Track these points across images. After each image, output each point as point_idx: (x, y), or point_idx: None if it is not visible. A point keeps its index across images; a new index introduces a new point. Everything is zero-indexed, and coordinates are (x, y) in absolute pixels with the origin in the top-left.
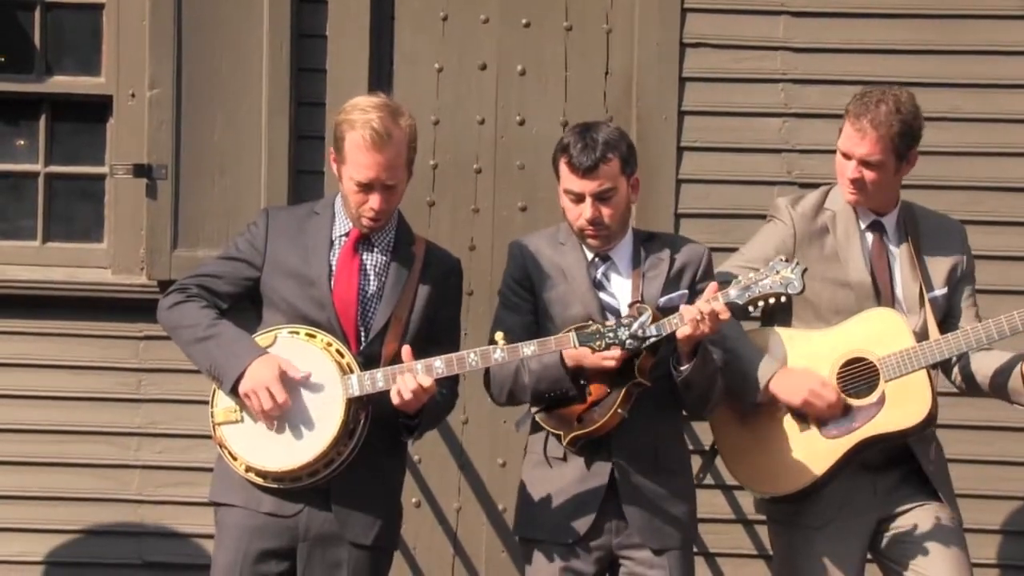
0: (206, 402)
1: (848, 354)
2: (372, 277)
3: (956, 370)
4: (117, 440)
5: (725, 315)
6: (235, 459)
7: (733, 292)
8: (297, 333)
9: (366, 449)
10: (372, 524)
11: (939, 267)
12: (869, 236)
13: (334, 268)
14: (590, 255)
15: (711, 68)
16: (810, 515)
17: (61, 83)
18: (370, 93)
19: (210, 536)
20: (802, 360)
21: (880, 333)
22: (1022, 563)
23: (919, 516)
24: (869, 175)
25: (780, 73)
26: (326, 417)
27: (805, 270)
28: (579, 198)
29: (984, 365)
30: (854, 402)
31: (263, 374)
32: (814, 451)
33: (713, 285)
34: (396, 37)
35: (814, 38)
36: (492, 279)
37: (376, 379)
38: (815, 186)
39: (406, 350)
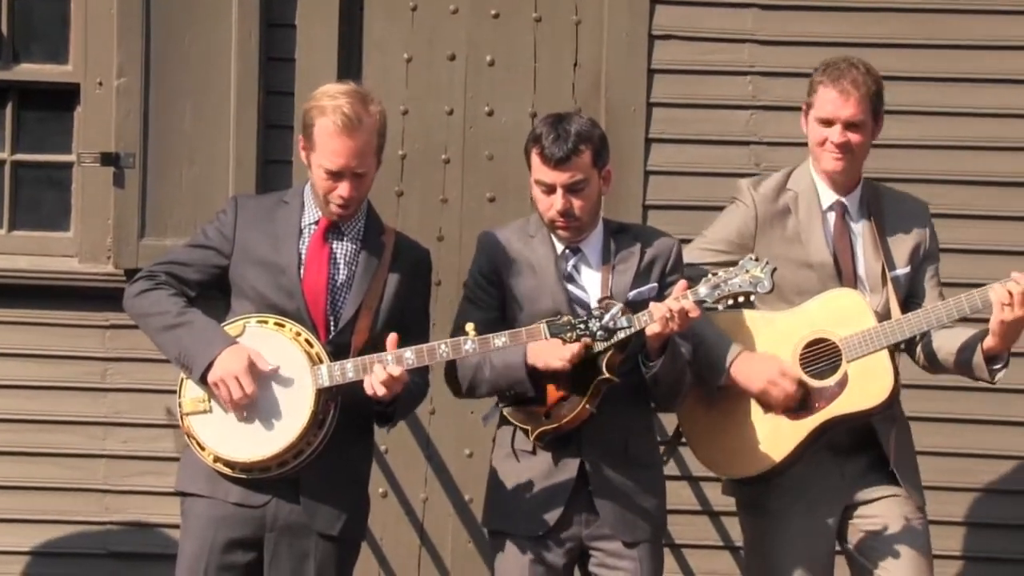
0: (173, 391)
1: (811, 335)
2: (342, 266)
3: (919, 349)
4: (83, 429)
5: (695, 313)
6: (203, 449)
7: (703, 291)
8: (266, 322)
9: (335, 439)
10: (339, 515)
11: (902, 246)
12: (831, 216)
13: (304, 257)
14: (560, 248)
15: (680, 60)
16: (777, 498)
17: (28, 71)
18: (339, 81)
19: (177, 526)
20: (766, 342)
21: (842, 314)
22: (988, 555)
23: (887, 513)
24: (855, 137)
25: (748, 65)
26: (296, 408)
27: (775, 269)
28: (550, 189)
29: (947, 342)
30: (816, 383)
31: (232, 364)
32: (778, 433)
33: (682, 283)
34: (365, 27)
35: (782, 31)
36: (460, 269)
37: (346, 370)
38: None
39: (391, 339)
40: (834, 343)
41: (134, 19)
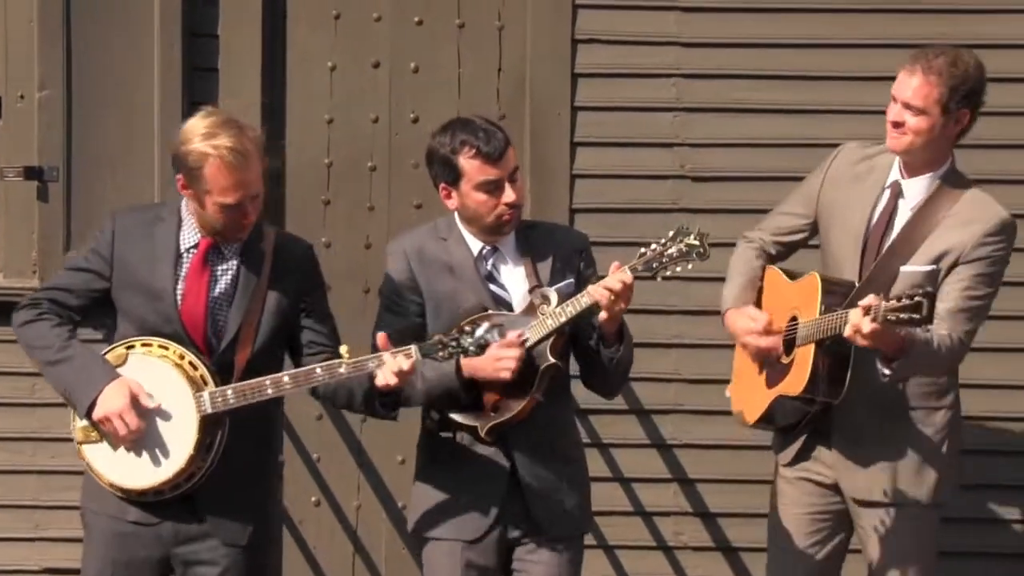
0: None
1: (791, 310)
2: (222, 285)
3: None
4: (12, 445)
5: (630, 281)
6: (96, 474)
7: (640, 265)
8: (150, 346)
9: (230, 455)
10: (245, 524)
11: (936, 245)
12: (886, 194)
13: (182, 282)
14: (476, 249)
15: (603, 64)
16: (782, 452)
17: None
18: (199, 112)
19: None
20: (773, 306)
21: (806, 296)
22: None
23: (876, 522)
24: (911, 121)
25: (672, 68)
26: (181, 435)
27: (707, 235)
28: (496, 185)
29: None
30: (784, 359)
31: (115, 402)
32: (756, 396)
33: (616, 264)
34: (289, 36)
35: (705, 33)
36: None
37: (227, 397)
38: (708, 180)
39: (381, 338)
40: (796, 325)
41: (55, 30)
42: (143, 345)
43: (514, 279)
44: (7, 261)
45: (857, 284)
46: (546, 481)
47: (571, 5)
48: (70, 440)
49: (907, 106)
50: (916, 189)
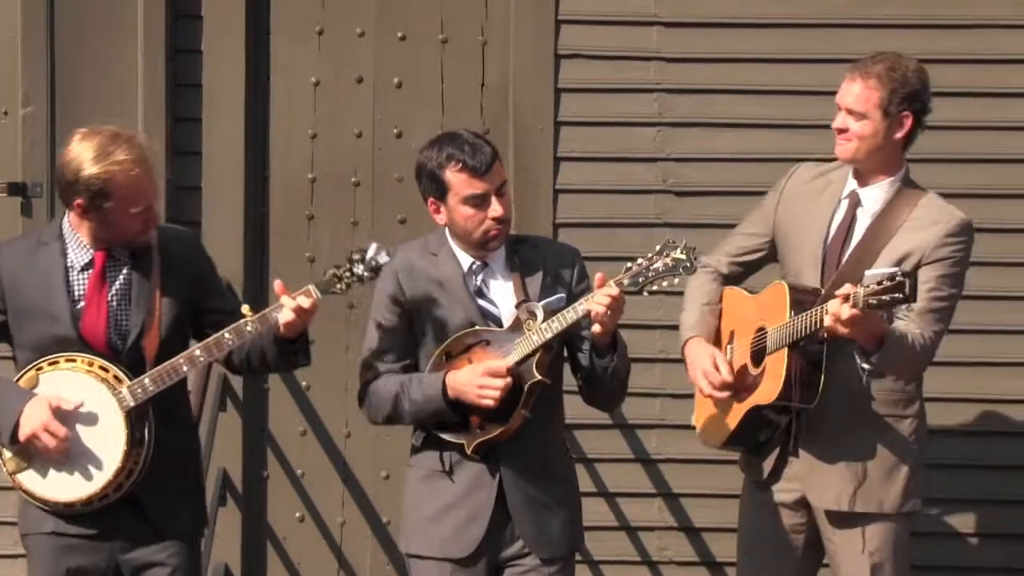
0: None
1: (758, 322)
2: (118, 288)
3: None
4: None
5: (620, 296)
6: (37, 499)
7: (626, 280)
8: (57, 362)
9: (160, 448)
10: (187, 515)
11: (898, 247)
12: (844, 205)
13: (81, 302)
14: (466, 264)
15: (586, 79)
16: (755, 471)
17: None
18: (74, 137)
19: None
20: (738, 322)
21: (773, 305)
22: None
23: (845, 533)
24: (855, 126)
25: (654, 83)
26: (111, 435)
27: (694, 249)
28: (483, 200)
29: None
30: (754, 371)
31: (37, 416)
32: (726, 412)
33: (600, 276)
34: (272, 51)
35: (687, 48)
36: (373, 292)
37: (146, 386)
38: (690, 195)
39: (278, 284)
40: (765, 334)
41: (38, 47)
42: (50, 364)
43: (503, 294)
44: None
45: (823, 291)
46: (535, 500)
47: (554, 21)
48: None
49: (850, 112)
50: (874, 196)
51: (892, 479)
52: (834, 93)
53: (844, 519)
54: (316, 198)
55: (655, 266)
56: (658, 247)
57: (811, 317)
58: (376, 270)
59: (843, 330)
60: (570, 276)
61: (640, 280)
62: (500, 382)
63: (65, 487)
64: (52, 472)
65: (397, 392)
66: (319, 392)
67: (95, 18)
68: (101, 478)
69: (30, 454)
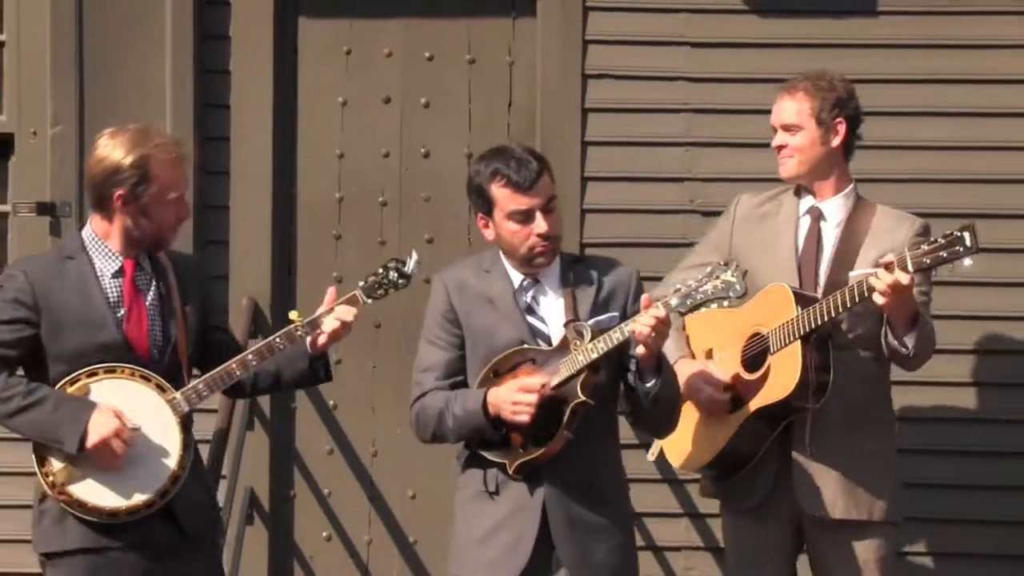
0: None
1: (749, 330)
2: (151, 299)
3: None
4: (23, 481)
5: (662, 315)
6: (88, 509)
7: (674, 301)
8: (96, 373)
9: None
10: (210, 524)
11: (872, 251)
12: (807, 220)
13: (119, 308)
14: (517, 281)
15: (613, 99)
16: (741, 496)
17: None
18: (101, 136)
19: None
20: (720, 338)
21: (773, 307)
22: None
23: (836, 540)
24: (793, 140)
25: (680, 103)
26: (165, 441)
27: (745, 273)
28: (528, 216)
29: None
30: (749, 376)
31: (106, 423)
32: (718, 425)
33: (646, 297)
34: (300, 71)
35: (713, 68)
36: (400, 312)
37: (200, 390)
38: (717, 214)
39: (332, 292)
40: (765, 336)
41: (68, 67)
42: (89, 375)
43: (553, 312)
44: None
45: (819, 296)
46: (578, 523)
47: (581, 41)
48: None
49: (785, 128)
50: (834, 208)
51: (881, 488)
52: (868, 113)
53: (834, 527)
54: (343, 217)
55: (704, 288)
56: (708, 269)
57: (839, 298)
58: (407, 277)
59: (893, 301)
60: (625, 297)
61: (688, 301)
62: (533, 398)
63: (119, 496)
64: (105, 481)
65: (442, 408)
66: (346, 411)
67: (123, 39)
68: (156, 483)
69: (83, 464)
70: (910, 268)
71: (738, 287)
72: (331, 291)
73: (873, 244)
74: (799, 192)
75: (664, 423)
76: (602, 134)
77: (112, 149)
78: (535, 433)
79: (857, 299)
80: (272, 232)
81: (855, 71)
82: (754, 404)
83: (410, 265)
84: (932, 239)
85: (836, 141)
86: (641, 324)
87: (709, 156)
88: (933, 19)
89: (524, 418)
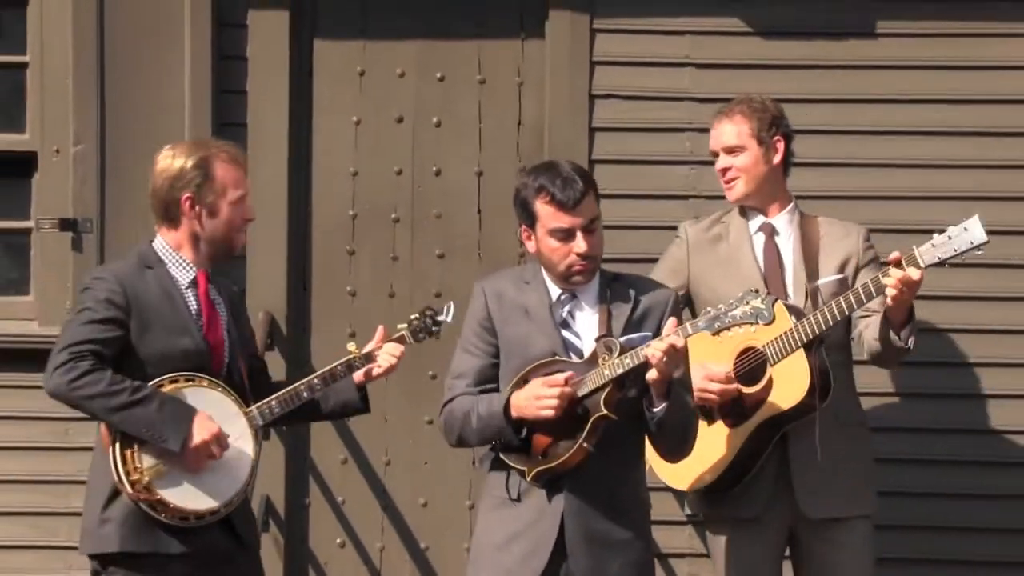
0: None
1: (740, 345)
2: (224, 315)
3: (863, 351)
4: (46, 488)
5: (679, 343)
6: (167, 506)
7: (702, 323)
8: (178, 381)
9: None
10: (255, 526)
11: (832, 258)
12: (761, 236)
13: (200, 316)
14: (555, 294)
15: (619, 118)
16: (742, 507)
17: None
18: (162, 152)
19: None
20: (707, 355)
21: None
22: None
23: (832, 546)
24: (737, 162)
25: (685, 122)
26: (243, 450)
27: (775, 300)
28: (569, 234)
29: (871, 334)
30: (748, 390)
31: (207, 426)
32: (721, 441)
33: (672, 321)
34: (315, 91)
35: (717, 89)
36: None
37: (272, 407)
38: None
39: (381, 331)
40: (760, 349)
41: (89, 88)
42: (171, 382)
43: (588, 327)
44: (42, 310)
45: (802, 306)
46: (594, 536)
47: (588, 62)
48: None
49: (728, 151)
50: (784, 223)
51: (868, 484)
52: (859, 132)
53: (828, 525)
54: (357, 234)
55: (733, 312)
56: (740, 294)
57: (842, 303)
58: (439, 324)
59: (905, 295)
60: (660, 317)
61: (716, 325)
62: (556, 391)
63: (196, 497)
64: (185, 481)
65: (468, 410)
66: (360, 422)
67: (143, 60)
68: (229, 492)
69: (172, 465)
70: (923, 264)
71: (766, 314)
72: (381, 329)
73: (830, 252)
74: (744, 212)
75: (672, 449)
76: (609, 152)
77: (173, 159)
78: (556, 442)
79: (864, 300)
80: (288, 248)
81: (855, 91)
82: (761, 415)
83: (447, 315)
84: (942, 233)
85: (777, 159)
86: (655, 347)
87: (713, 174)
88: (930, 40)
89: (549, 412)
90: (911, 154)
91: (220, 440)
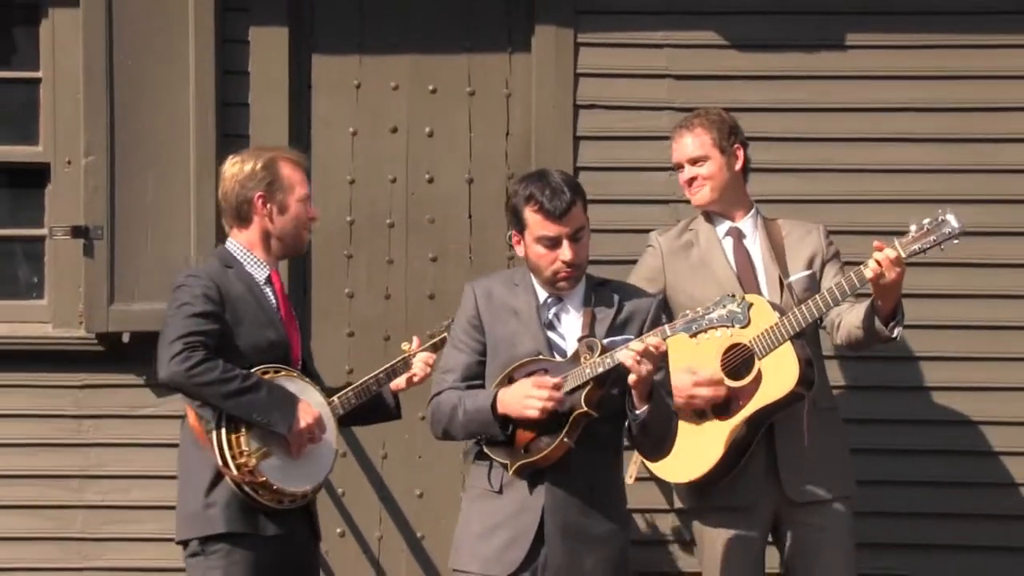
0: (143, 445)
1: (725, 343)
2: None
3: (837, 336)
4: (61, 483)
5: (663, 347)
6: (267, 489)
7: (679, 325)
8: (268, 372)
9: None
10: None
11: (799, 256)
12: (729, 240)
13: (279, 311)
14: (542, 297)
15: (603, 128)
16: (732, 496)
17: (1, 152)
18: (230, 159)
19: (152, 569)
20: (692, 356)
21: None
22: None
23: (815, 527)
24: (702, 171)
25: (665, 131)
26: (328, 438)
27: (751, 305)
28: (555, 242)
29: (850, 319)
30: (737, 384)
31: (310, 411)
32: (712, 435)
33: (658, 329)
34: (313, 104)
35: (695, 99)
36: (407, 326)
37: (350, 398)
38: None
39: (417, 341)
40: (746, 345)
41: (99, 102)
42: (263, 373)
43: (572, 329)
44: (56, 313)
45: (779, 302)
46: (571, 530)
47: (573, 74)
48: (115, 477)
49: (692, 162)
50: (749, 226)
51: (847, 465)
52: (837, 140)
53: (813, 507)
54: (354, 238)
55: (710, 315)
56: (717, 298)
57: (827, 296)
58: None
59: (894, 279)
60: (642, 323)
61: (694, 327)
62: (544, 393)
63: (295, 479)
64: (287, 464)
65: (455, 404)
66: None
67: (150, 75)
68: (318, 477)
69: (275, 448)
70: (903, 255)
71: (741, 317)
72: (416, 339)
73: (796, 250)
74: (710, 219)
75: (653, 449)
76: (592, 160)
77: (242, 163)
78: (538, 437)
79: (848, 292)
80: None
81: (825, 100)
82: (752, 406)
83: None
84: (919, 226)
85: (738, 165)
86: (628, 350)
87: None
88: (897, 52)
89: (533, 412)
90: (880, 160)
91: (321, 425)
